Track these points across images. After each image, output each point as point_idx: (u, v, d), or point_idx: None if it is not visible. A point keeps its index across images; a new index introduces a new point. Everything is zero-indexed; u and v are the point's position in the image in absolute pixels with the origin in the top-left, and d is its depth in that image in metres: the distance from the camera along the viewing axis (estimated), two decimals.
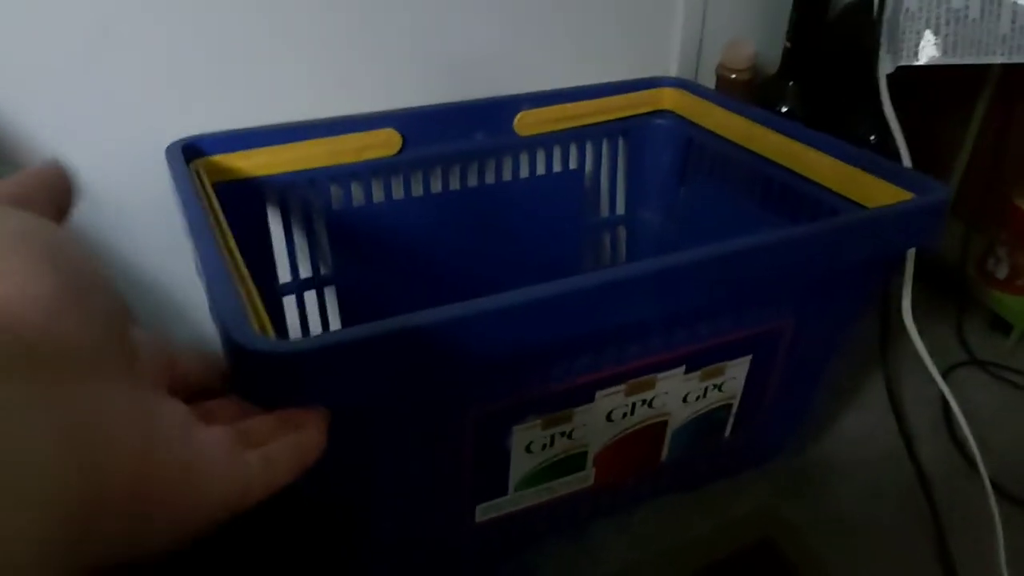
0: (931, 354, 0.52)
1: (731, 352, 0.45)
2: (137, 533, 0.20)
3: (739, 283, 0.39)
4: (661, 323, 0.41)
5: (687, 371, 0.44)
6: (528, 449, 0.42)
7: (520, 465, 0.43)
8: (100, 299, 0.21)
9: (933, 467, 0.56)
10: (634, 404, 0.44)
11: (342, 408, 0.30)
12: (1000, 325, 0.71)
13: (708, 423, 0.49)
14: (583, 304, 0.35)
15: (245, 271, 0.35)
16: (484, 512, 0.45)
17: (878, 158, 0.47)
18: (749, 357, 0.46)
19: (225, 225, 0.39)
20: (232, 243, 0.38)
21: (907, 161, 0.53)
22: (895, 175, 0.45)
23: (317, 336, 0.31)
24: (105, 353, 0.20)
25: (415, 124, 0.56)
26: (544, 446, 0.43)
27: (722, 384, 0.47)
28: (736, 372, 0.47)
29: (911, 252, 0.51)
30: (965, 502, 0.53)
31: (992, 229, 0.71)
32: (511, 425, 0.40)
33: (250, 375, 0.29)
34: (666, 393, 0.45)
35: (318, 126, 0.53)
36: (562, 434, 0.43)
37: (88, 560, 0.18)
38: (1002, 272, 0.70)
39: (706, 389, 0.46)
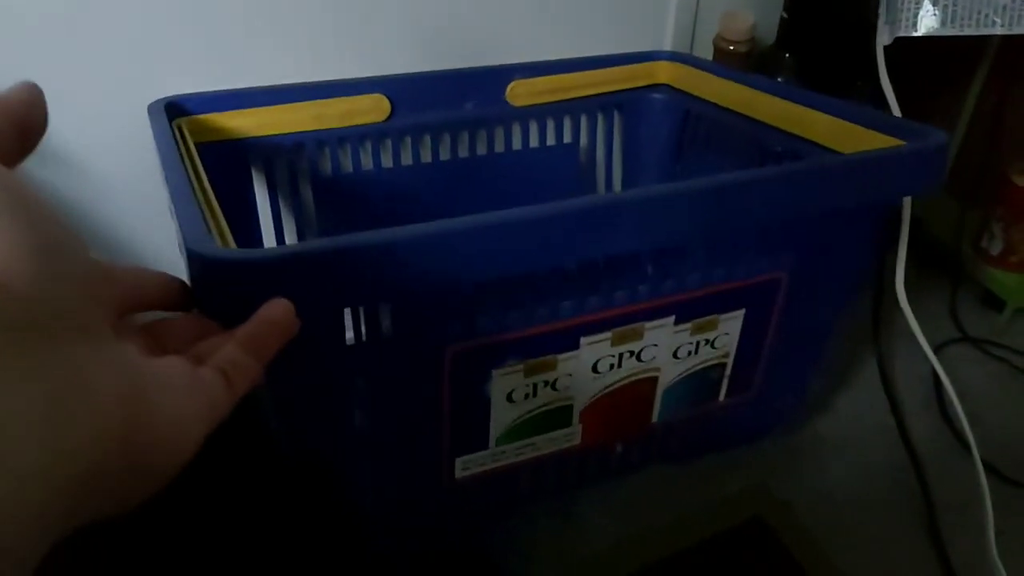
0: (923, 331, 0.52)
1: (723, 304, 0.44)
2: (135, 482, 0.20)
3: (728, 220, 0.38)
4: (647, 264, 0.40)
5: (677, 322, 0.43)
6: (510, 398, 0.41)
7: (501, 415, 0.42)
8: (69, 251, 0.19)
9: (924, 444, 0.56)
10: (621, 355, 0.43)
11: (312, 334, 0.29)
12: (993, 302, 0.71)
13: (701, 383, 0.48)
14: (562, 229, 0.34)
15: (217, 208, 0.34)
16: (464, 467, 0.44)
17: (874, 112, 0.46)
18: (742, 311, 0.45)
19: (204, 176, 0.39)
20: (207, 186, 0.37)
21: None
22: (893, 126, 0.45)
23: (280, 246, 0.30)
24: (81, 310, 0.19)
25: (404, 90, 0.55)
26: (527, 395, 0.42)
27: (715, 340, 0.46)
28: (729, 327, 0.46)
29: (905, 225, 0.51)
30: (955, 479, 0.53)
31: (987, 205, 0.71)
32: (490, 368, 0.39)
33: (211, 286, 0.29)
34: (655, 345, 0.44)
35: (305, 89, 0.52)
36: (545, 383, 0.42)
37: (89, 517, 0.18)
38: (996, 248, 0.70)
39: (698, 344, 0.45)
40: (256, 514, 0.47)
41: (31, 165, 0.52)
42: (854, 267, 0.49)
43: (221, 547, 0.45)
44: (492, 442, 0.43)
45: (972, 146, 0.73)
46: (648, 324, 0.42)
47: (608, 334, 0.41)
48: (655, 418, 0.48)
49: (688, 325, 0.44)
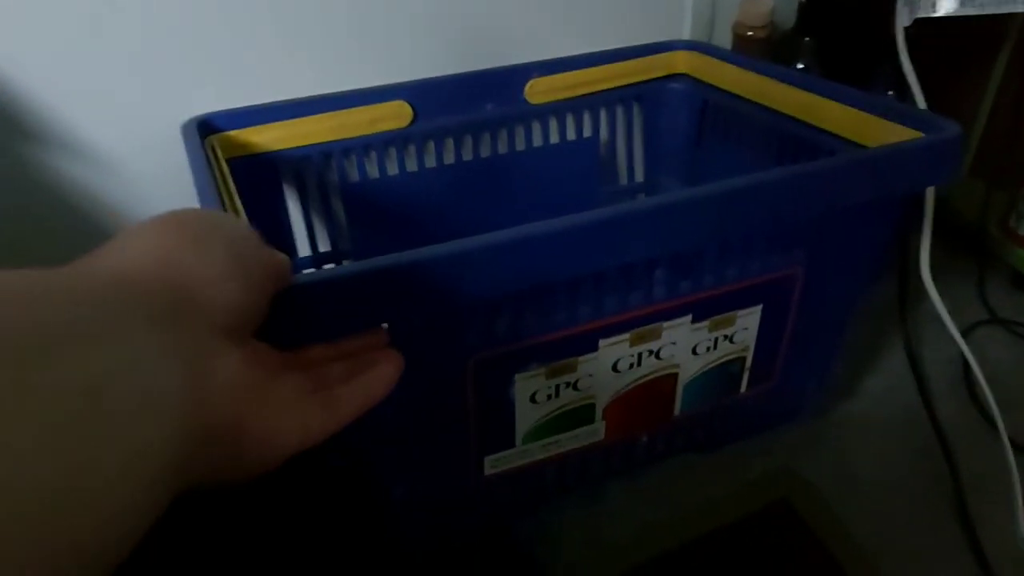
0: (951, 313, 0.52)
1: (740, 301, 0.45)
2: (229, 463, 0.24)
3: (745, 222, 0.39)
4: (664, 267, 0.40)
5: (694, 320, 0.44)
6: (533, 399, 0.43)
7: (526, 416, 0.43)
8: (260, 278, 0.26)
9: (952, 426, 0.56)
10: (640, 355, 0.44)
11: None
12: (1021, 283, 0.70)
13: (722, 377, 0.49)
14: (580, 242, 0.35)
15: None
16: (492, 465, 0.45)
17: (891, 102, 0.46)
18: (760, 307, 0.46)
19: (235, 192, 0.41)
20: (239, 205, 0.39)
21: None
22: (909, 117, 0.45)
23: (312, 272, 0.32)
24: (254, 322, 0.26)
25: (425, 95, 0.56)
26: (549, 396, 0.43)
27: (733, 335, 0.47)
28: (747, 323, 0.46)
29: (929, 209, 0.51)
30: (984, 460, 0.53)
31: (1014, 186, 0.70)
32: (513, 373, 0.41)
33: None
34: (673, 343, 0.45)
35: (330, 100, 0.53)
36: (567, 384, 0.43)
37: (189, 482, 0.21)
38: None
39: (716, 340, 0.46)
40: (291, 508, 0.49)
41: (65, 161, 0.54)
42: (871, 257, 0.49)
43: (256, 539, 0.48)
44: (518, 441, 0.45)
45: (997, 126, 0.71)
46: (665, 324, 0.43)
47: (626, 335, 0.42)
48: (677, 411, 0.49)
49: (706, 323, 0.45)
